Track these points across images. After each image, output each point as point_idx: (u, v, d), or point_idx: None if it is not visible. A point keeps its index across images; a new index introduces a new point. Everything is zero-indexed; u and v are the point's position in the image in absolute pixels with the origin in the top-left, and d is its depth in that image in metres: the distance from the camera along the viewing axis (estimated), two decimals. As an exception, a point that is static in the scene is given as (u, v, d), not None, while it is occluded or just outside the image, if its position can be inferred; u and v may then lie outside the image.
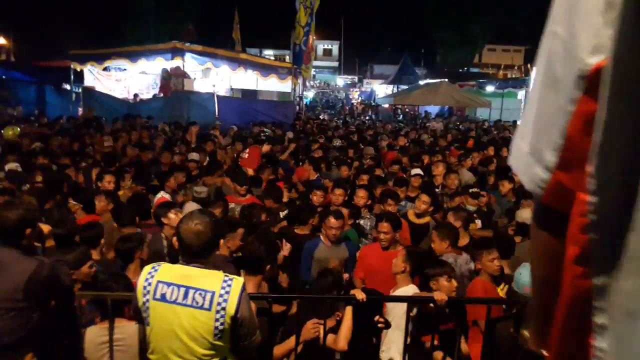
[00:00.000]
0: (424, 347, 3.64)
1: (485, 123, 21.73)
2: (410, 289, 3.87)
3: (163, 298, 2.54)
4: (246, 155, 8.70)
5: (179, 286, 2.54)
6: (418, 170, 7.57)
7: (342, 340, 3.47)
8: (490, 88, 27.56)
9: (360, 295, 3.46)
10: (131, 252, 4.09)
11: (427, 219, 5.91)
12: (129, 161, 8.31)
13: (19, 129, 10.84)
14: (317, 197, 6.23)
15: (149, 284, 2.57)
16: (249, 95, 20.11)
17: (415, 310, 3.64)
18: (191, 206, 5.58)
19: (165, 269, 2.62)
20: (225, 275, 2.60)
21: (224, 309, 2.50)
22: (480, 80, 29.16)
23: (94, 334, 3.37)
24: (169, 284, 2.55)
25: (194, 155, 8.72)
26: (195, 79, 17.91)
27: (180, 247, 2.63)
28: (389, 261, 4.42)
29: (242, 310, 2.55)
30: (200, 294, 2.51)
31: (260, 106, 16.98)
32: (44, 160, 7.56)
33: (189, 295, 2.52)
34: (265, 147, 9.39)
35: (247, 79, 18.82)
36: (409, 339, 3.57)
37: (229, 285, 2.54)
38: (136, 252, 4.09)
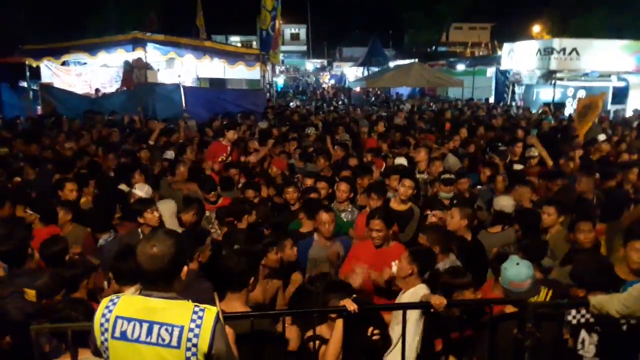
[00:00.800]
0: (435, 352, 3.37)
1: (458, 102, 21.60)
2: (421, 289, 3.57)
3: (123, 336, 2.18)
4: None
5: (141, 322, 2.18)
6: (402, 160, 7.28)
7: (329, 357, 3.15)
8: (460, 66, 27.51)
9: (351, 306, 3.13)
10: (75, 280, 3.65)
11: (408, 204, 5.72)
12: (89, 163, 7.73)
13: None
14: (289, 195, 5.91)
15: (107, 321, 2.20)
16: (217, 84, 19.45)
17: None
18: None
19: (124, 302, 2.25)
20: (196, 306, 2.24)
21: (195, 345, 2.16)
22: (450, 59, 29.09)
23: (54, 370, 2.99)
24: (129, 320, 2.19)
25: (169, 154, 8.19)
26: (159, 70, 17.22)
27: (138, 274, 2.26)
28: (383, 260, 4.17)
29: (217, 346, 2.21)
30: (166, 330, 2.17)
31: (229, 95, 16.33)
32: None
33: (154, 331, 2.17)
34: (231, 135, 8.38)
35: (214, 68, 18.16)
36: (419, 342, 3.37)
37: (200, 318, 2.19)
38: (82, 281, 3.67)
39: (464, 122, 13.35)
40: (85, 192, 6.21)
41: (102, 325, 2.21)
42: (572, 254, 4.31)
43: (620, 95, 19.80)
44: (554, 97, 18.93)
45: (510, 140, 9.41)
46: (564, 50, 18.32)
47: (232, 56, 17.09)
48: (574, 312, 3.31)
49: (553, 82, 19.29)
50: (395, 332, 3.53)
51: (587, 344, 3.33)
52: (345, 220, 5.61)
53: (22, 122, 13.33)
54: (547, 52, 18.67)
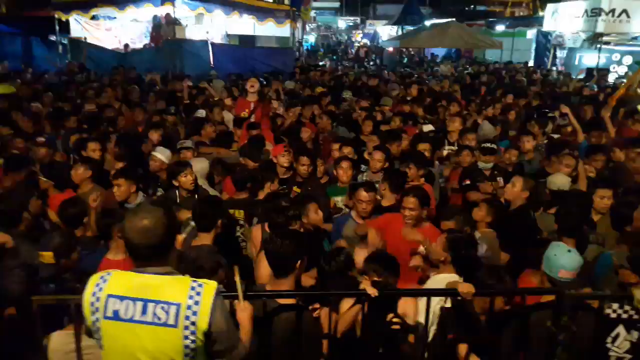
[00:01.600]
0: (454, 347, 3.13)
1: (495, 66, 20.68)
2: (451, 278, 3.32)
3: (116, 316, 2.05)
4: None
5: (134, 300, 2.04)
6: (430, 127, 6.89)
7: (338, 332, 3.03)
8: (500, 27, 26.32)
9: (371, 290, 2.91)
10: (108, 228, 3.70)
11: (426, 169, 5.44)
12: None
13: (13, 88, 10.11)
14: (304, 168, 5.31)
15: (97, 300, 2.06)
16: (247, 41, 19.03)
17: (448, 302, 3.12)
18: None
19: (116, 279, 2.10)
20: (193, 281, 2.09)
21: (193, 323, 2.02)
22: (490, 20, 27.78)
23: (59, 342, 2.89)
24: (122, 298, 2.05)
25: (200, 112, 7.93)
26: (187, 25, 16.90)
27: (128, 250, 2.12)
28: (412, 243, 3.83)
29: (217, 323, 2.07)
30: (162, 308, 2.03)
31: (258, 54, 16.01)
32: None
33: (149, 310, 2.03)
34: (250, 86, 7.87)
35: (244, 25, 17.78)
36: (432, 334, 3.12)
37: (198, 294, 2.05)
38: (115, 228, 3.66)
39: (502, 87, 12.73)
40: (108, 149, 6.05)
41: (92, 304, 2.07)
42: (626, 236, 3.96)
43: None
44: (598, 63, 17.88)
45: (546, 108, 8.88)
46: (613, 11, 17.14)
47: (262, 12, 16.65)
48: (615, 305, 3.02)
49: (599, 46, 18.18)
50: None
51: (621, 339, 3.06)
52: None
53: (50, 76, 13.30)
54: (595, 13, 17.51)
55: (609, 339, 3.06)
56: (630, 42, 19.04)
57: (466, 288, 2.97)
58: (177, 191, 4.91)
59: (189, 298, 2.03)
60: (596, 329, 3.08)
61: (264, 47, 18.10)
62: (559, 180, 4.87)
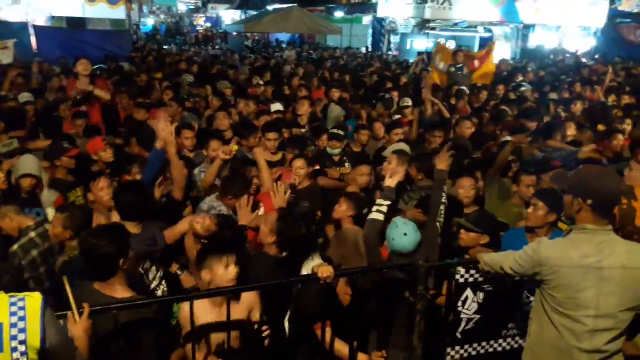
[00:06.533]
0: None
1: (337, 51, 21.48)
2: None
3: None
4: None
5: None
6: (278, 106, 6.89)
7: None
8: (338, 13, 27.34)
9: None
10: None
11: (280, 154, 5.53)
12: None
13: None
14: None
15: None
16: (76, 24, 17.24)
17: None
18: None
19: None
20: (11, 296, 1.80)
21: (23, 342, 1.76)
22: (329, 5, 28.74)
23: None
24: None
25: (25, 96, 6.98)
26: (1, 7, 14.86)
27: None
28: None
29: (51, 337, 1.83)
30: None
31: (90, 37, 14.55)
32: None
33: None
34: (80, 68, 6.61)
35: (71, 5, 16.09)
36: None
37: (22, 308, 1.79)
38: None
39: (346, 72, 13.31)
40: None
41: None
42: None
43: (485, 45, 20.96)
44: (427, 47, 19.49)
45: (386, 90, 9.52)
46: (438, -2, 18.72)
47: (92, -9, 15.22)
48: (462, 270, 3.26)
49: (426, 31, 19.83)
50: None
51: (470, 301, 3.32)
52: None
53: None
54: (423, 0, 18.99)
55: (460, 303, 3.30)
56: (452, 28, 21.06)
57: (326, 272, 2.95)
58: None
59: (11, 315, 1.77)
60: (448, 295, 3.32)
61: (97, 30, 16.56)
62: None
